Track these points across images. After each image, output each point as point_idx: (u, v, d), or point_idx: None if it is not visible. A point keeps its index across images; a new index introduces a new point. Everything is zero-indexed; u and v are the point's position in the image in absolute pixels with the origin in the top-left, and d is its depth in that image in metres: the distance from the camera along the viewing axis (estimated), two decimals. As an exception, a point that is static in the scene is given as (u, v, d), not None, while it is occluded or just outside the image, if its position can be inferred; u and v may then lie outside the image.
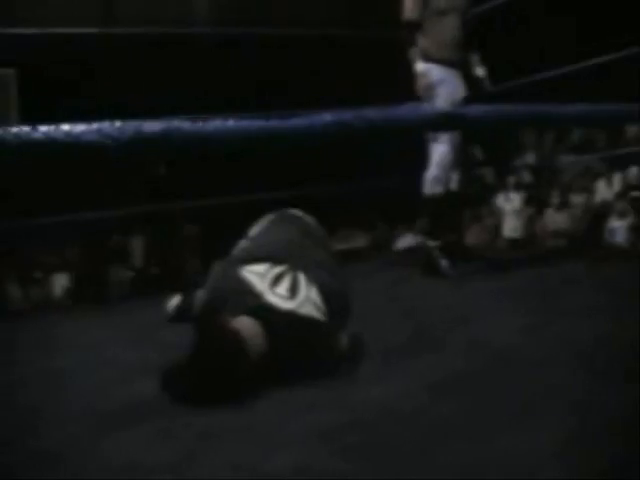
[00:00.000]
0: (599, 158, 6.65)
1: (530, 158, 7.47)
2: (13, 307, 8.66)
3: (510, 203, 7.01)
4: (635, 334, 2.05)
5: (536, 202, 6.62)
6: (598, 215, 5.81)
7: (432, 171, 3.91)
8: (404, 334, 2.39)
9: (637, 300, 2.41)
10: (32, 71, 8.01)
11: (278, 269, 1.89)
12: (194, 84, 9.24)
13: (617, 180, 6.18)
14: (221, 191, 8.73)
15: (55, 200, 8.58)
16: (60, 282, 9.19)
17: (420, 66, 3.84)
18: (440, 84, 3.86)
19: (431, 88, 3.80)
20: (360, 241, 8.61)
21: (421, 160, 4.20)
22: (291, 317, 1.83)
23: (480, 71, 3.99)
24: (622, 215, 5.50)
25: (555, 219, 6.10)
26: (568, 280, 3.19)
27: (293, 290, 1.86)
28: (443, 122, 1.18)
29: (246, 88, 9.05)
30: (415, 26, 3.90)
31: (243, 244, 2.15)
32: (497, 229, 6.99)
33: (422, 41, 3.90)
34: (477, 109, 1.95)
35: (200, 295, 1.92)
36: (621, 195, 5.82)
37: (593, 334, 2.16)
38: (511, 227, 6.75)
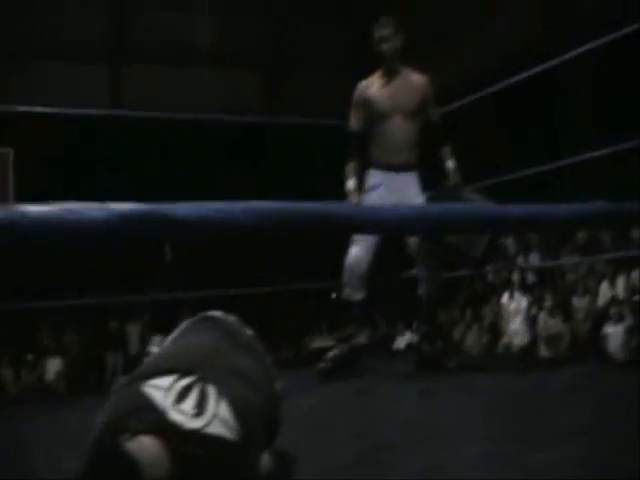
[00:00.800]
0: (604, 259, 6.44)
1: (534, 258, 7.26)
2: (4, 389, 8.52)
3: (514, 303, 6.76)
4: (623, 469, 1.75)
5: (538, 304, 6.37)
6: (600, 318, 5.55)
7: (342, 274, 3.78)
8: (349, 454, 2.15)
9: (635, 425, 2.06)
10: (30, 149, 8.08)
11: (185, 381, 1.69)
12: (207, 169, 9.27)
13: (621, 282, 5.93)
14: (228, 282, 8.58)
15: (53, 285, 8.50)
16: (54, 366, 9.01)
17: (349, 184, 3.72)
18: (373, 189, 3.73)
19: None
20: (360, 339, 8.30)
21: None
22: (197, 437, 1.62)
23: (450, 164, 3.78)
24: (618, 320, 5.23)
25: (548, 324, 5.79)
26: (558, 395, 2.88)
27: (200, 406, 1.66)
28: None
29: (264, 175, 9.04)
30: (357, 137, 3.80)
31: (152, 356, 1.95)
32: (499, 330, 6.74)
33: (369, 147, 3.79)
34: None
35: (99, 416, 1.70)
36: (617, 300, 5.57)
37: (572, 469, 1.87)
38: (514, 331, 6.47)
